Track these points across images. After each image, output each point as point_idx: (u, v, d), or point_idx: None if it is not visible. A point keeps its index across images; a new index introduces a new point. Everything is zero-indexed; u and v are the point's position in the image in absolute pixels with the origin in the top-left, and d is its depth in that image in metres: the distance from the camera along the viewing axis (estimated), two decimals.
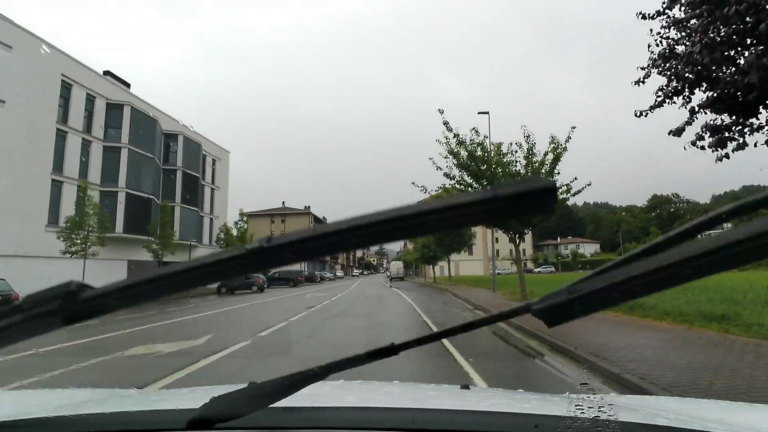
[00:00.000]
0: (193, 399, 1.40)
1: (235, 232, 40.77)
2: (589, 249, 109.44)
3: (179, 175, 34.66)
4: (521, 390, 1.78)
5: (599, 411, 1.01)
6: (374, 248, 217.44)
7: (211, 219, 40.90)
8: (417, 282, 46.20)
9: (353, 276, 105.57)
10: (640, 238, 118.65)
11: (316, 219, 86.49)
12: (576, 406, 1.06)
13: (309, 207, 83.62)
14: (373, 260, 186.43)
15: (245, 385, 1.42)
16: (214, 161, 42.38)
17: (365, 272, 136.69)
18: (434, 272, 38.97)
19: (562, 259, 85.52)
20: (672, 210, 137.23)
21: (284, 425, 0.98)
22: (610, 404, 1.08)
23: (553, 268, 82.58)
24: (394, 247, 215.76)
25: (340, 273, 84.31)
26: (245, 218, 40.15)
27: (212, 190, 41.92)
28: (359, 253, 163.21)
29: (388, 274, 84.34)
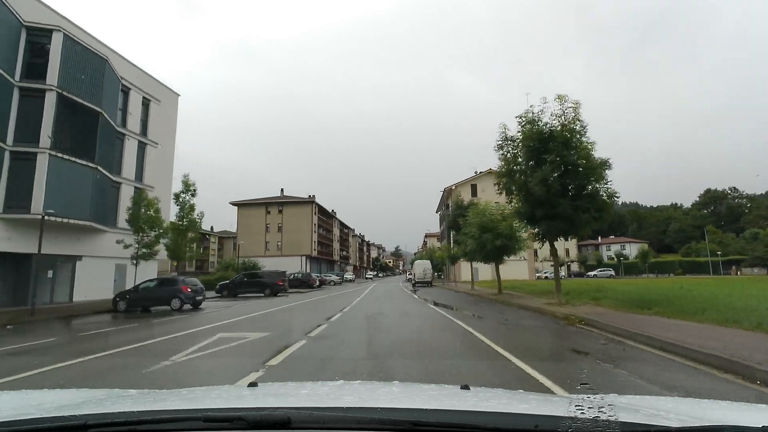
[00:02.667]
0: (193, 399, 1.51)
1: (174, 212, 25.13)
2: (635, 249, 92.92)
3: (51, 100, 19.17)
4: (521, 390, 1.76)
5: (599, 411, 0.99)
6: (390, 249, 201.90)
7: (137, 189, 25.30)
8: (457, 290, 29.83)
9: (366, 279, 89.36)
10: (696, 239, 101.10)
11: (322, 210, 70.61)
12: (576, 406, 1.03)
13: (314, 196, 67.99)
14: (389, 261, 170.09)
15: (245, 386, 1.59)
16: (146, 102, 26.86)
17: (380, 274, 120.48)
18: (498, 275, 22.13)
19: (625, 260, 67.83)
20: (731, 206, 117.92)
21: (286, 425, 0.98)
22: (610, 404, 1.06)
23: (612, 272, 65.23)
24: (411, 247, 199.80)
25: (349, 275, 68.27)
26: (192, 189, 24.70)
27: (142, 145, 26.38)
28: (374, 253, 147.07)
29: (409, 276, 68.15)
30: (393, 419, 0.99)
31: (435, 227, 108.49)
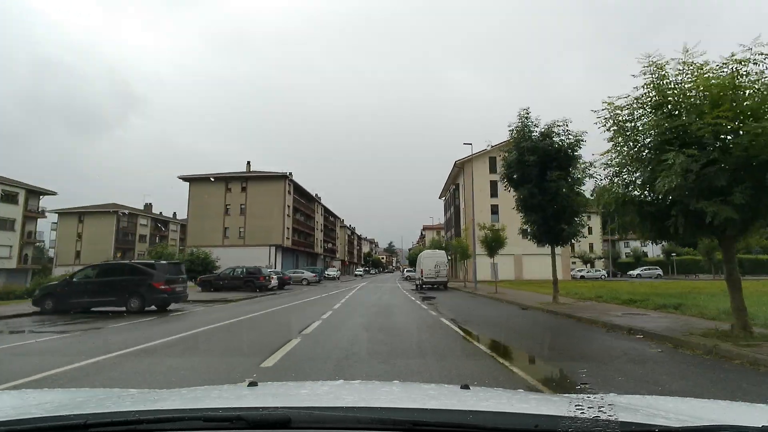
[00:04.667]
0: (194, 399, 1.44)
1: None
2: (656, 247, 79.75)
3: None
4: (521, 390, 1.77)
5: (599, 411, 0.98)
6: (383, 245, 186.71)
7: None
8: (523, 304, 15.30)
9: (355, 276, 74.76)
10: None
11: (299, 190, 55.80)
12: (576, 405, 1.02)
13: (291, 174, 53.11)
14: (382, 257, 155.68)
15: (245, 385, 1.50)
16: None
17: (372, 271, 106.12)
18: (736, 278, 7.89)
19: (677, 256, 53.89)
20: None
21: (286, 424, 0.95)
22: (610, 404, 1.05)
23: (659, 270, 51.46)
24: (407, 244, 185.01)
25: (333, 272, 53.61)
26: None
27: None
28: (366, 248, 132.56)
29: (408, 273, 53.54)
30: (393, 419, 0.97)
31: (434, 220, 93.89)
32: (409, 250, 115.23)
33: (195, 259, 39.87)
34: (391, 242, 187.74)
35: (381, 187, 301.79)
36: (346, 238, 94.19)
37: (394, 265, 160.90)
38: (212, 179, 49.02)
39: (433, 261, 26.73)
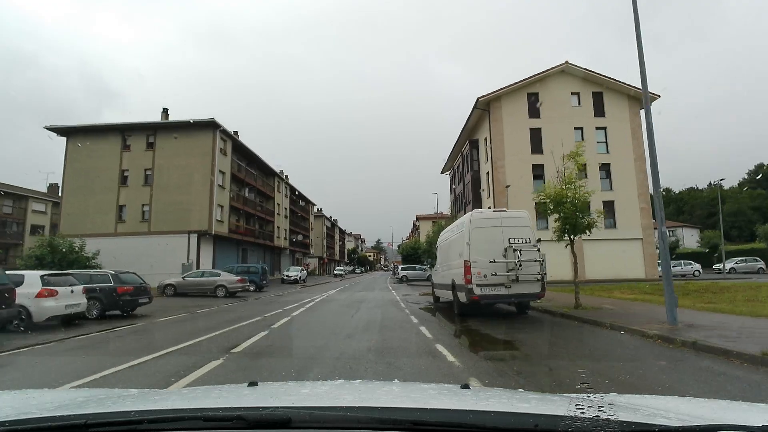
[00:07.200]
0: (194, 399, 1.42)
1: None
2: (687, 235, 67.45)
3: None
4: (521, 390, 1.71)
5: (599, 411, 0.97)
6: (371, 243, 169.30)
7: None
8: None
9: (334, 276, 57.35)
10: (756, 222, 74.00)
11: (241, 151, 37.94)
12: (576, 405, 1.01)
13: (237, 133, 35.40)
14: (369, 255, 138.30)
15: (245, 385, 1.45)
16: None
17: (358, 270, 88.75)
18: None
19: None
20: None
21: (286, 424, 0.94)
22: (610, 404, 1.05)
23: (762, 263, 35.66)
24: (394, 238, 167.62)
25: (295, 272, 35.93)
26: None
27: None
28: (351, 245, 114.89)
29: (403, 273, 36.49)
30: (393, 418, 0.96)
31: (429, 210, 77.10)
32: (399, 245, 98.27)
33: (44, 255, 22.20)
34: (378, 239, 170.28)
35: (375, 186, 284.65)
36: (325, 230, 76.51)
37: (382, 263, 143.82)
38: (62, 129, 30.79)
39: (500, 236, 9.47)
